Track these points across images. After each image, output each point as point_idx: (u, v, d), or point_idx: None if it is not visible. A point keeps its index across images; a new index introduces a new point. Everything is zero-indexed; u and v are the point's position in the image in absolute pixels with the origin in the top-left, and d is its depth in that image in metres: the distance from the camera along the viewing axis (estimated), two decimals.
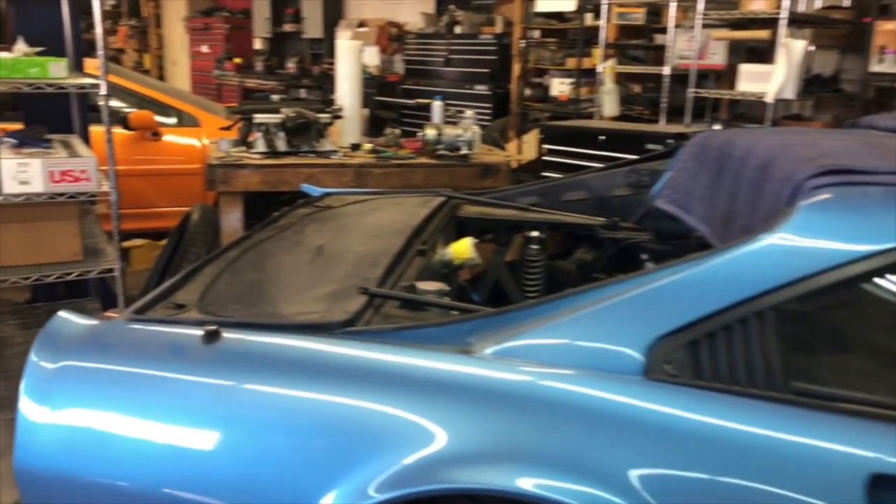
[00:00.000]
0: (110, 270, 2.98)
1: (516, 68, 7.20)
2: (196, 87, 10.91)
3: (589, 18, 6.38)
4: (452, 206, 2.70)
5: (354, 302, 1.62)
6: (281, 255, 2.05)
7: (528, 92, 7.05)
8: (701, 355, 1.35)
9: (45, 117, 3.59)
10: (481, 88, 7.53)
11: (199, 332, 1.47)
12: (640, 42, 5.98)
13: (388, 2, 9.08)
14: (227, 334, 1.48)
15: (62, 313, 1.57)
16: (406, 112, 8.22)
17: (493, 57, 7.46)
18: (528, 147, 5.88)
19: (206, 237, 3.69)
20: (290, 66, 9.10)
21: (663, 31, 5.81)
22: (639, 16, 5.93)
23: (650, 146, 4.22)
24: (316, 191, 2.87)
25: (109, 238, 3.24)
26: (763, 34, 4.71)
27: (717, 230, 2.17)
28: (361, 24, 8.90)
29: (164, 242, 4.60)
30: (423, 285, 1.76)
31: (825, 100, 5.30)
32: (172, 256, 3.87)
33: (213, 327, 1.46)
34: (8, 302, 4.14)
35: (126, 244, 4.89)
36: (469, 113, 3.93)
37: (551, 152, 4.86)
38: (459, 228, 2.70)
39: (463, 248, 2.38)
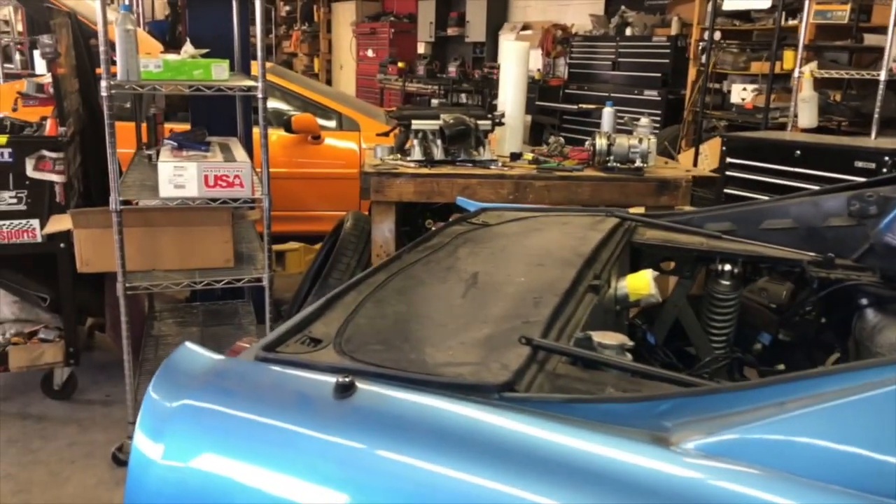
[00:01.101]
0: (259, 280, 2.88)
1: (692, 72, 6.63)
2: (360, 90, 11.15)
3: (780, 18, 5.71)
4: (627, 230, 2.33)
5: (515, 354, 1.32)
6: (430, 283, 1.79)
7: (704, 98, 6.45)
8: None
9: (211, 119, 3.61)
10: (651, 94, 7.03)
11: (331, 379, 1.23)
12: (844, 43, 5.25)
13: (554, 3, 8.75)
14: (363, 386, 1.23)
15: (188, 345, 1.39)
16: (567, 118, 7.86)
17: (665, 60, 6.95)
18: (704, 159, 5.33)
19: (358, 246, 3.55)
20: (451, 70, 9.00)
21: (874, 30, 5.07)
22: (842, 13, 5.21)
23: (861, 164, 3.62)
24: (471, 205, 2.61)
25: (261, 242, 3.17)
26: None
27: None
28: (525, 27, 8.64)
29: (318, 247, 4.57)
30: (601, 337, 1.43)
31: None
32: (324, 264, 3.78)
33: (348, 379, 1.21)
34: (169, 299, 4.24)
35: (281, 247, 4.92)
36: (645, 121, 3.54)
37: (733, 166, 4.33)
38: (634, 256, 2.33)
39: (642, 283, 2.02)
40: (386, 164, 3.29)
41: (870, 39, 4.98)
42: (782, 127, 5.08)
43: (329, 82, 12.35)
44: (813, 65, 4.76)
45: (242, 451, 1.20)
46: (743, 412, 1.09)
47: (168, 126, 3.89)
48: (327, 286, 3.60)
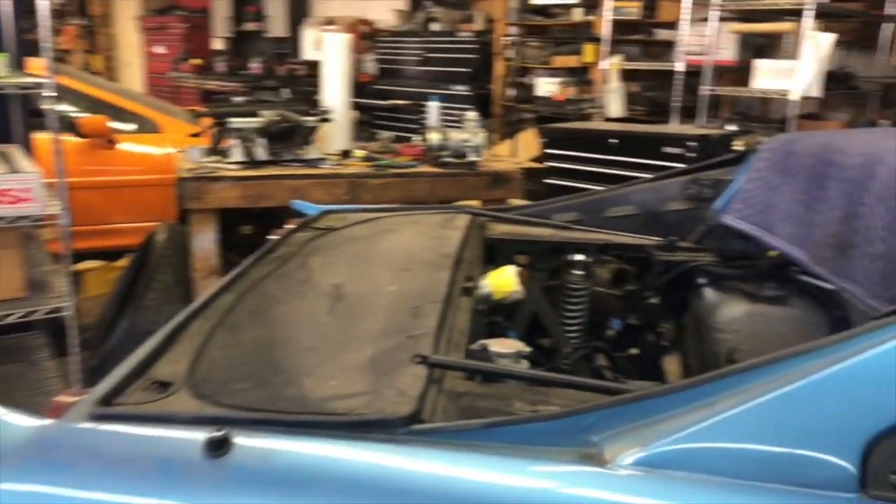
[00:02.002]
0: (59, 310, 2.46)
1: (499, 67, 6.79)
2: (151, 89, 10.27)
3: (577, 14, 6.01)
4: (479, 226, 2.25)
5: (410, 377, 1.16)
6: (288, 300, 1.58)
7: (511, 92, 6.64)
8: None
9: None
10: (461, 89, 7.10)
11: (198, 435, 1.00)
12: (638, 37, 5.61)
13: None
14: (240, 438, 1.01)
15: None
16: (379, 114, 7.75)
17: (473, 56, 7.04)
18: (520, 151, 5.47)
19: (174, 262, 3.18)
20: (254, 66, 8.55)
21: (660, 25, 5.47)
22: (633, 10, 5.56)
23: (668, 150, 3.85)
24: (310, 208, 2.40)
25: (58, 264, 2.72)
26: (787, 27, 4.37)
27: (824, 255, 1.78)
28: (329, 22, 8.39)
29: (121, 263, 4.07)
30: (496, 346, 1.31)
31: (833, 98, 5.00)
32: (134, 283, 3.35)
33: (220, 433, 0.99)
34: None
35: (77, 266, 4.33)
36: (472, 115, 3.50)
37: (551, 157, 4.46)
38: (488, 252, 2.26)
39: (506, 280, 1.94)
40: (203, 167, 2.96)
41: (661, 34, 5.37)
42: (588, 117, 5.33)
43: (113, 81, 11.27)
44: (619, 57, 5.03)
45: None
46: (672, 417, 1.02)
47: None
48: (142, 308, 3.19)
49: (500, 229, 2.30)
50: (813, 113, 5.00)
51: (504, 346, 1.32)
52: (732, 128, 4.43)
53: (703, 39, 4.57)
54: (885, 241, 1.53)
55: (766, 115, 5.46)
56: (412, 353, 1.22)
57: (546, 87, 6.36)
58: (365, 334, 1.38)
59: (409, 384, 1.14)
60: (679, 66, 4.62)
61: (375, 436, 1.02)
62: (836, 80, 4.76)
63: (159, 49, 10.06)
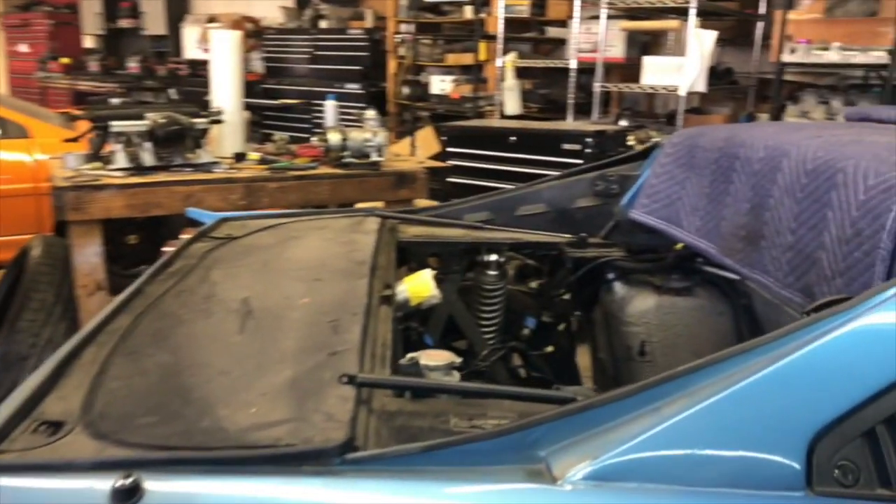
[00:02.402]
0: None
1: (391, 65, 6.71)
2: (14, 91, 9.55)
3: (468, 11, 6.02)
4: (390, 229, 2.18)
5: (337, 399, 1.08)
6: (192, 320, 1.45)
7: (405, 90, 6.58)
8: (884, 450, 0.94)
9: None
10: (353, 87, 6.97)
11: (102, 483, 0.88)
12: (530, 35, 5.68)
13: None
14: (152, 483, 0.89)
15: None
16: (268, 115, 7.51)
17: (363, 53, 6.93)
18: (418, 149, 5.41)
19: (54, 279, 2.91)
20: (132, 65, 8.08)
21: (550, 23, 5.55)
22: (523, 8, 5.62)
23: (567, 146, 3.90)
24: (206, 216, 2.25)
25: None
26: (673, 24, 4.53)
27: (734, 247, 1.81)
28: (211, 20, 8.05)
29: None
30: (426, 359, 1.24)
31: (715, 93, 5.25)
32: (6, 303, 3.05)
33: (129, 479, 0.87)
34: None
35: None
36: (371, 113, 3.41)
37: (452, 155, 4.44)
38: (400, 255, 2.18)
39: (423, 285, 1.88)
40: (84, 175, 2.73)
41: (550, 31, 5.45)
42: (484, 115, 5.34)
43: None
44: (513, 55, 5.06)
45: None
46: (619, 426, 0.98)
47: None
48: (18, 331, 2.91)
49: (412, 232, 2.23)
50: (696, 107, 5.23)
51: (434, 359, 1.25)
52: (625, 123, 4.55)
53: (593, 37, 4.68)
54: (794, 233, 1.57)
55: (652, 110, 5.66)
56: (337, 371, 1.13)
57: (440, 84, 6.33)
58: (282, 354, 1.27)
59: (337, 407, 1.06)
60: (572, 63, 4.70)
61: (307, 469, 0.93)
62: (717, 76, 4.99)
63: (23, 48, 9.36)
